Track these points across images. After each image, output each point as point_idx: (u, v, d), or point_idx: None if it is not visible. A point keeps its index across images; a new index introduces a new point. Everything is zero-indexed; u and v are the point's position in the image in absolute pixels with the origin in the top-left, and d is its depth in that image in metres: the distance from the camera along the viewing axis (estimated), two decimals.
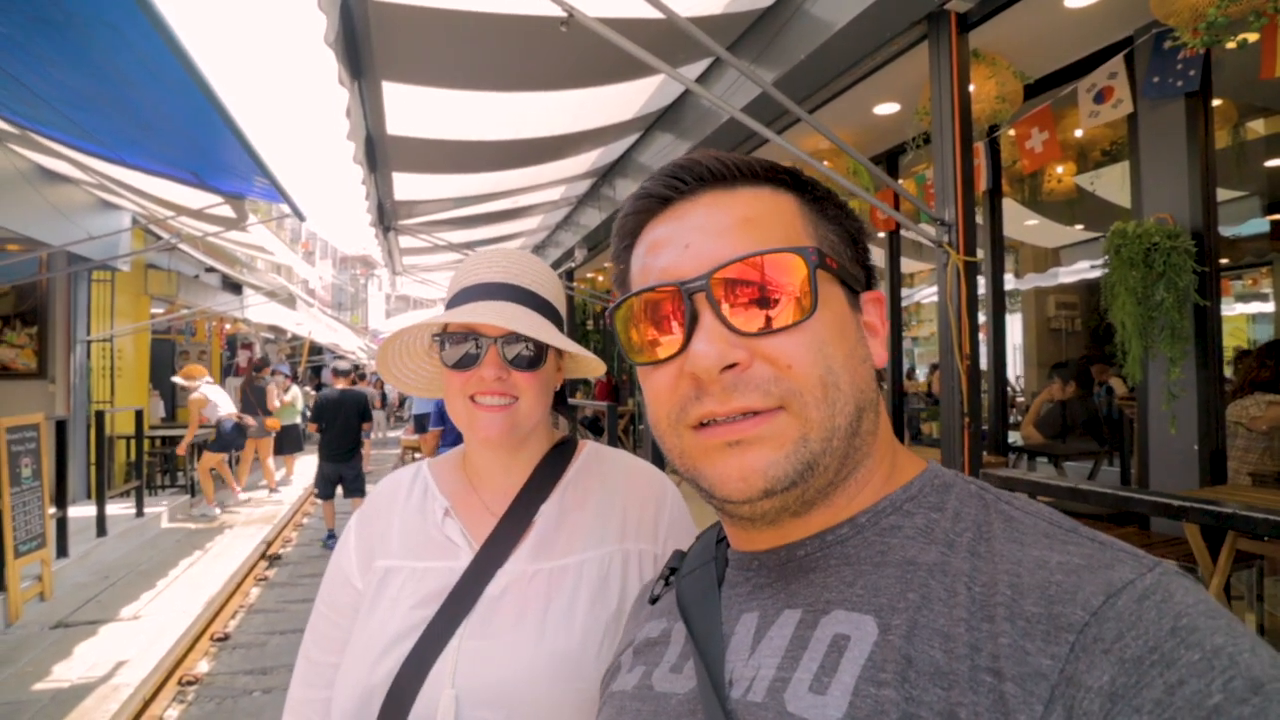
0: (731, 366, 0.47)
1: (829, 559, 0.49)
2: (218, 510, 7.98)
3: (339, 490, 6.80)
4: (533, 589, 0.86)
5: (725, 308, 0.48)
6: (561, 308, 0.97)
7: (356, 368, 21.87)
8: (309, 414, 7.25)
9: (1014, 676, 0.37)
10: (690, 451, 0.50)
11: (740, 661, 0.49)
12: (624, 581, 0.87)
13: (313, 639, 0.96)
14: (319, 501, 7.18)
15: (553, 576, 0.87)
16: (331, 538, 7.01)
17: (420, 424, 11.30)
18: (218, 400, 8.12)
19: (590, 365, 1.01)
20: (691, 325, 0.48)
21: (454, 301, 0.92)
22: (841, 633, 0.44)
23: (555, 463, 0.96)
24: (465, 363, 0.88)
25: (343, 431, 6.79)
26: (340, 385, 7.10)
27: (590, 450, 1.00)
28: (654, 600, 0.63)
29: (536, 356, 0.89)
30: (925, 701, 0.39)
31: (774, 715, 0.44)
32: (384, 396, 19.20)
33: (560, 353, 0.96)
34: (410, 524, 0.94)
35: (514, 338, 0.88)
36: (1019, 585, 0.40)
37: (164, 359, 11.00)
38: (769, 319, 0.47)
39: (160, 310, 9.89)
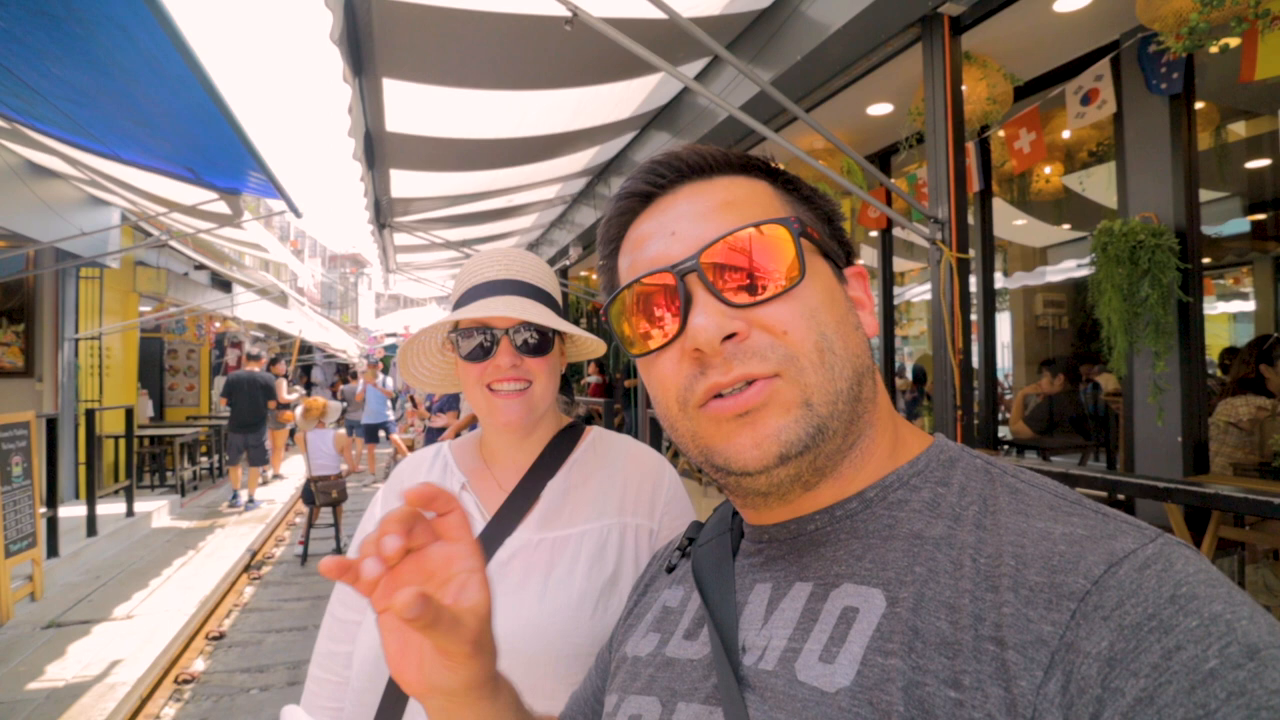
0: (731, 337, 0.48)
1: (838, 533, 0.50)
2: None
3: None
4: (537, 556, 0.94)
5: (717, 283, 0.49)
6: (558, 298, 1.05)
7: (346, 367, 21.69)
8: (220, 391, 8.80)
9: (1015, 644, 0.38)
10: (702, 431, 0.50)
11: (753, 631, 0.50)
12: (620, 552, 0.95)
13: (338, 598, 1.04)
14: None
15: (555, 545, 0.95)
16: (235, 497, 8.30)
17: (371, 433, 11.07)
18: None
19: (591, 346, 1.08)
20: (687, 305, 0.49)
21: (462, 300, 0.99)
22: (850, 605, 0.45)
23: (563, 443, 1.04)
24: (480, 354, 0.96)
25: (250, 406, 8.23)
26: (251, 368, 8.51)
27: (595, 433, 1.08)
28: (670, 569, 0.65)
29: (544, 343, 0.98)
30: (931, 670, 0.40)
31: (784, 683, 0.45)
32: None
33: (563, 339, 1.04)
34: None
35: (522, 327, 0.96)
36: (1023, 556, 0.41)
37: (152, 357, 10.89)
38: (760, 289, 0.49)
39: (149, 308, 9.80)
